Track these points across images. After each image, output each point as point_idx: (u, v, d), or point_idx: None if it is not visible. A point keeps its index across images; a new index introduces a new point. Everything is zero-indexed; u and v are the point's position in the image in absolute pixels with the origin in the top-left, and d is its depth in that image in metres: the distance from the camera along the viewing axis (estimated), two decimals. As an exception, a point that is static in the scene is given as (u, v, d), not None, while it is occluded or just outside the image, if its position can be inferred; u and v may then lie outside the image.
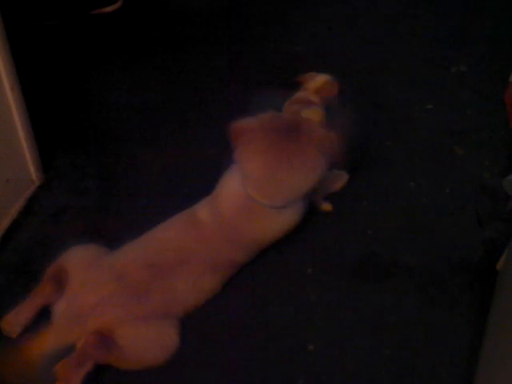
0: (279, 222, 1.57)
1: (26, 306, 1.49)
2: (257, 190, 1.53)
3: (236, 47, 2.34)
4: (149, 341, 1.46)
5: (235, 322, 1.56)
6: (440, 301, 1.61)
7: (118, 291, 1.45)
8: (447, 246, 1.73)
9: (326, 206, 1.79)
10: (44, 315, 1.48)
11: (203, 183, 1.69)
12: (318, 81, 1.75)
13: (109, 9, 2.45)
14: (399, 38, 2.39)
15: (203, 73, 2.28)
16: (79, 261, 1.53)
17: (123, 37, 2.39)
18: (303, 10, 2.50)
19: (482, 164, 1.93)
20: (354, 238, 1.74)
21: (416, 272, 1.66)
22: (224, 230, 1.56)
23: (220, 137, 1.77)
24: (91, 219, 1.79)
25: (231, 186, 1.58)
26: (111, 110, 2.15)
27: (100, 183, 1.90)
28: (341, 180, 1.83)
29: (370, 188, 1.86)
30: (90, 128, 2.08)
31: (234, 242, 1.57)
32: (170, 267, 1.51)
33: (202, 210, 1.60)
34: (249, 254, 1.62)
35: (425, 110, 2.09)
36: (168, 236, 1.58)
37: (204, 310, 1.54)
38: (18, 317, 1.48)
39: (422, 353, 1.52)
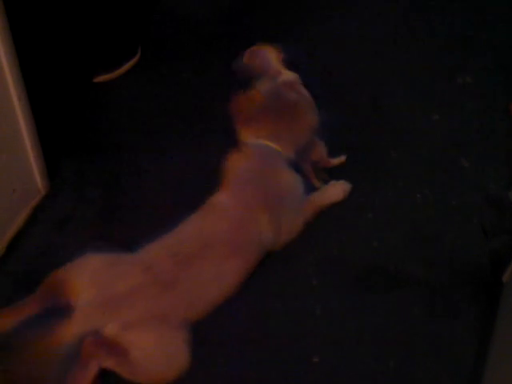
0: (294, 179, 1.68)
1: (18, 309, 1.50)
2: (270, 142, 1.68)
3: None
4: (160, 354, 1.44)
5: (239, 333, 1.56)
6: (445, 312, 1.61)
7: (147, 282, 1.46)
8: (453, 257, 1.72)
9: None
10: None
11: (208, 191, 1.69)
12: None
13: None
14: (405, 48, 2.39)
15: (207, 80, 2.28)
16: (101, 260, 1.53)
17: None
18: (305, 18, 2.50)
19: (488, 175, 1.92)
20: (359, 250, 1.73)
21: (421, 283, 1.66)
22: (246, 198, 1.61)
23: (224, 145, 1.77)
24: (96, 228, 1.80)
25: (239, 157, 1.70)
26: (115, 118, 2.16)
27: (105, 192, 1.91)
28: (344, 190, 1.84)
29: (375, 199, 1.86)
30: (95, 137, 2.09)
31: (259, 208, 1.60)
32: (194, 253, 1.52)
33: (218, 194, 1.66)
34: (274, 232, 1.63)
35: (430, 121, 2.09)
36: (191, 224, 1.61)
37: (208, 322, 1.53)
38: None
39: (427, 364, 1.51)
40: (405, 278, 1.67)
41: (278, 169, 1.68)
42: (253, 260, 1.61)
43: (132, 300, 1.43)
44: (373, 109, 2.16)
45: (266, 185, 1.65)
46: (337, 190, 1.83)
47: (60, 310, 1.45)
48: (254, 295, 1.62)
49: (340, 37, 2.41)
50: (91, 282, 1.48)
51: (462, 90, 2.22)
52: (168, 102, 2.21)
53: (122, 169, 1.98)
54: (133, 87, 2.27)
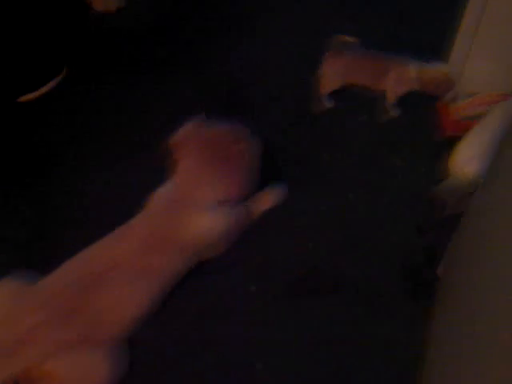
0: (208, 221, 1.62)
1: None
2: (184, 193, 1.63)
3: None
4: (79, 374, 1.41)
5: (178, 344, 1.53)
6: (383, 311, 1.62)
7: (47, 317, 1.41)
8: (388, 255, 1.74)
9: None
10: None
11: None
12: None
13: None
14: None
15: (136, 95, 2.25)
16: (4, 293, 1.49)
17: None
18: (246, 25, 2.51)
19: (419, 173, 1.95)
20: (296, 254, 1.73)
21: (359, 284, 1.67)
22: (155, 230, 1.57)
23: (156, 161, 1.75)
24: (27, 251, 1.75)
25: (161, 193, 1.67)
26: (44, 137, 2.11)
27: (36, 214, 1.86)
28: (277, 195, 1.84)
29: (308, 202, 1.86)
30: (23, 158, 2.04)
31: (166, 244, 1.57)
32: (100, 275, 1.48)
33: (135, 219, 1.63)
34: (182, 260, 1.60)
35: (359, 122, 2.11)
36: (103, 245, 1.57)
37: (144, 334, 1.51)
38: None
39: (369, 366, 1.52)
40: (342, 279, 1.68)
41: (191, 217, 1.62)
42: (165, 282, 1.57)
43: (34, 338, 1.39)
44: (303, 111, 2.16)
45: (175, 229, 1.60)
46: (270, 196, 1.83)
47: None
48: (193, 304, 1.61)
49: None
50: None
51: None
52: (95, 118, 2.17)
53: (55, 190, 1.93)
54: (60, 105, 2.23)
